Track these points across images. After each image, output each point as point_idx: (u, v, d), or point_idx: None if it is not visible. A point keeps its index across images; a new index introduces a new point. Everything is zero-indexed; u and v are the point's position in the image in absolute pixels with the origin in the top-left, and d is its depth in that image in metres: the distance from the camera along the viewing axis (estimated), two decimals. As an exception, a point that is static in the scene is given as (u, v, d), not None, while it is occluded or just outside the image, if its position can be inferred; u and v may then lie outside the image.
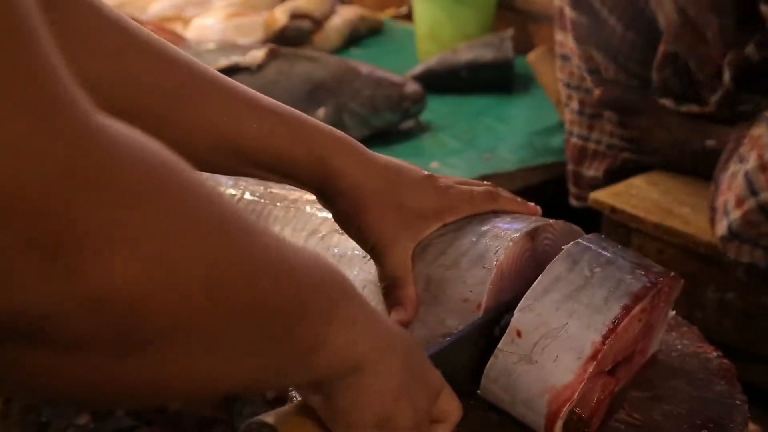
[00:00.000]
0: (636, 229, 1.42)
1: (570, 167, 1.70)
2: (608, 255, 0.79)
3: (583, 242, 0.80)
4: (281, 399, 0.89)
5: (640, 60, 1.53)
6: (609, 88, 1.56)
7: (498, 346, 0.75)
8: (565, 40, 1.67)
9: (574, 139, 1.66)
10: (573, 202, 1.70)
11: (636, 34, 1.51)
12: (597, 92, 1.55)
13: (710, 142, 1.39)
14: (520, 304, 0.76)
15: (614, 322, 0.73)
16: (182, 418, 1.26)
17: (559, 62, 1.71)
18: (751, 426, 1.33)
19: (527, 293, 0.76)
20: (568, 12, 1.62)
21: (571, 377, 0.72)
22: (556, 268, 0.78)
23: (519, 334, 0.74)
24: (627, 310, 0.74)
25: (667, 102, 1.50)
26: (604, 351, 0.72)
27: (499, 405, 0.76)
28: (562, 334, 0.73)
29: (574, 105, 1.67)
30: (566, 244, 0.87)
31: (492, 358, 0.75)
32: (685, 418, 0.79)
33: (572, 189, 1.70)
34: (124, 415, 1.26)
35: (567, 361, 0.72)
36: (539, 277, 0.77)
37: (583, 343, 0.72)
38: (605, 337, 0.72)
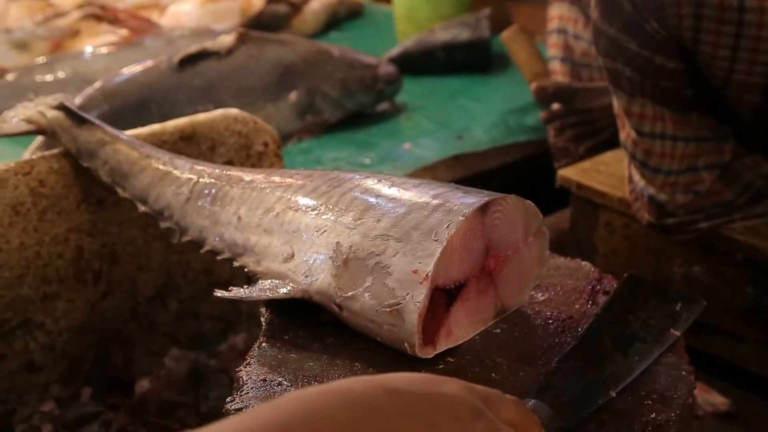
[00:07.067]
0: (603, 205, 1.41)
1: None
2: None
3: None
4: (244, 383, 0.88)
5: None
6: (543, 82, 1.60)
7: None
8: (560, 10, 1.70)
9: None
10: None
11: None
12: (532, 87, 1.59)
13: None
14: None
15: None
16: (147, 402, 1.26)
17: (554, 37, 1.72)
18: (719, 398, 1.33)
19: None
20: None
21: None
22: None
23: None
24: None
25: None
26: None
27: None
28: None
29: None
30: (517, 218, 0.89)
31: None
32: (630, 389, 0.79)
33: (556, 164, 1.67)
34: (90, 402, 1.26)
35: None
36: None
37: None
38: None
